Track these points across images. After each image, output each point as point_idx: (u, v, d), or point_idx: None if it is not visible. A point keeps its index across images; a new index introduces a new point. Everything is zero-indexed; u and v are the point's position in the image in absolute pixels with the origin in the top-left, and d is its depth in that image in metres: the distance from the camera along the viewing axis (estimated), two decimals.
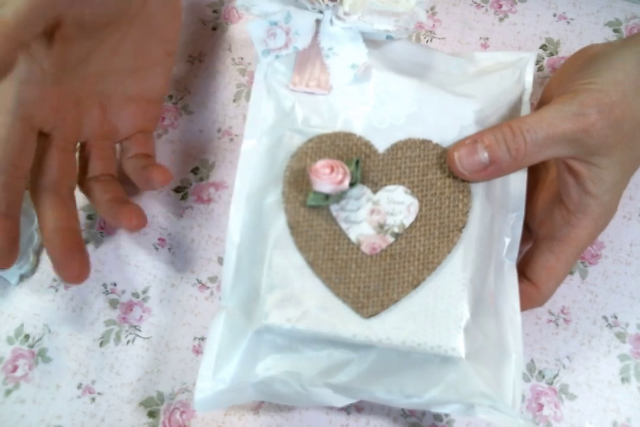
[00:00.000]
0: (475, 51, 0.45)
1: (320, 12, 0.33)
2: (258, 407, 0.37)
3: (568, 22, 0.45)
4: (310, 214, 0.31)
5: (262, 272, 0.31)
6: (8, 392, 0.39)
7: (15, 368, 0.39)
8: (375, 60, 0.34)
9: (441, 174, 0.32)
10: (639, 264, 0.39)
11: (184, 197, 0.43)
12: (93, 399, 0.38)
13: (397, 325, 0.30)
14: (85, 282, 0.41)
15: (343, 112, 0.33)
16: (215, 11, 0.47)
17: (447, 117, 0.33)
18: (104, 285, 0.41)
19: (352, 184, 0.31)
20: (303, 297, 0.30)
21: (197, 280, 0.41)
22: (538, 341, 0.37)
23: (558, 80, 0.36)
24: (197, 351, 0.39)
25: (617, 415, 0.36)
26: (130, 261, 0.41)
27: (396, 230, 0.31)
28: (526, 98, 0.35)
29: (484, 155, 0.30)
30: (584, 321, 0.38)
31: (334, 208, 0.31)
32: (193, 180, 0.43)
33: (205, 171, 0.43)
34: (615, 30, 0.45)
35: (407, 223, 0.31)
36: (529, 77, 0.36)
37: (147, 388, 0.38)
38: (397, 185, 0.32)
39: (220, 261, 0.41)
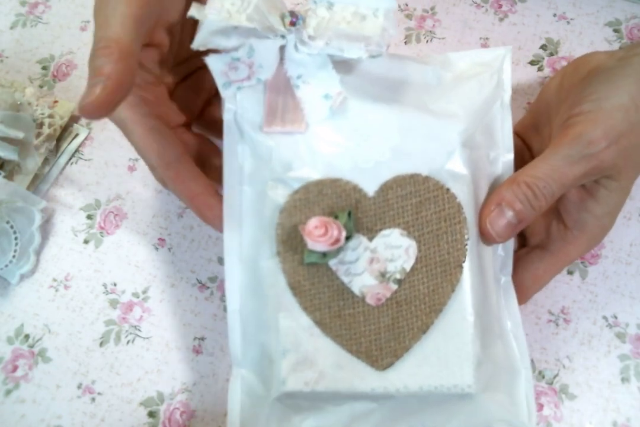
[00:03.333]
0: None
1: (283, 36, 0.30)
2: None
3: (568, 22, 0.45)
4: (309, 272, 0.30)
5: (271, 336, 0.30)
6: (8, 392, 0.39)
7: (15, 368, 0.39)
8: (349, 88, 0.31)
9: (435, 208, 0.30)
10: (639, 264, 0.39)
11: None
12: (93, 399, 0.38)
13: (412, 371, 0.30)
14: (85, 282, 0.41)
15: (324, 153, 0.31)
16: None
17: (432, 144, 0.31)
18: (104, 285, 0.41)
19: (347, 237, 0.30)
20: (317, 358, 0.30)
21: (197, 280, 0.40)
22: (538, 341, 0.37)
23: (557, 87, 0.35)
24: (197, 351, 0.39)
25: (617, 415, 0.36)
26: (130, 261, 0.41)
27: (398, 276, 0.30)
28: (506, 101, 0.34)
29: (510, 215, 0.31)
30: (584, 321, 0.38)
31: (332, 262, 0.30)
32: None
33: None
34: (615, 30, 0.44)
35: (407, 267, 0.30)
36: (507, 77, 0.34)
37: (147, 388, 0.38)
38: (392, 228, 0.30)
39: (220, 260, 0.41)
